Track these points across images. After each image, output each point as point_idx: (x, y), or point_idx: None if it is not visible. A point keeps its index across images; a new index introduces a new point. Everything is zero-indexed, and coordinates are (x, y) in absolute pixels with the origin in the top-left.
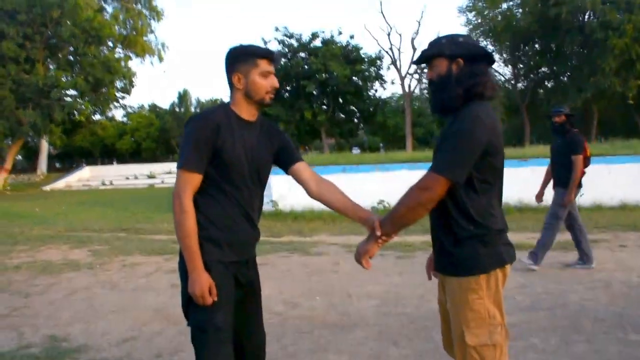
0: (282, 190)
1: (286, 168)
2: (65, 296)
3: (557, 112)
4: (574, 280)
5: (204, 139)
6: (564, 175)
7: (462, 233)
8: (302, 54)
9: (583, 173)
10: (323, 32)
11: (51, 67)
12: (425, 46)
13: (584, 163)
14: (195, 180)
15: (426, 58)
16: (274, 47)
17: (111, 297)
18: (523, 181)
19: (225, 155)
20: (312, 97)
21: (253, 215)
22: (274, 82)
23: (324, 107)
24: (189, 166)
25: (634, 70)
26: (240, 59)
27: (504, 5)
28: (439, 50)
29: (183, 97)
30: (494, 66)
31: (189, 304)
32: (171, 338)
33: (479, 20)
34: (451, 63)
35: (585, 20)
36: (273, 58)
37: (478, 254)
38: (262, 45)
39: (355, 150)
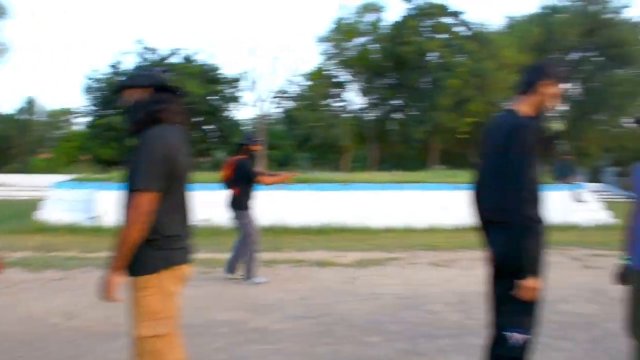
0: (107, 205)
1: None
2: None
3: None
4: (352, 294)
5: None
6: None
7: None
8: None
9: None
10: (184, 49)
11: None
12: (274, 74)
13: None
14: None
15: (122, 87)
16: (133, 60)
17: None
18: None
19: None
20: None
21: None
22: None
23: None
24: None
25: (466, 109)
26: None
27: (360, 40)
28: (132, 81)
29: (30, 104)
30: (351, 94)
31: None
32: None
33: (337, 51)
34: (141, 92)
35: (428, 60)
36: None
37: (147, 256)
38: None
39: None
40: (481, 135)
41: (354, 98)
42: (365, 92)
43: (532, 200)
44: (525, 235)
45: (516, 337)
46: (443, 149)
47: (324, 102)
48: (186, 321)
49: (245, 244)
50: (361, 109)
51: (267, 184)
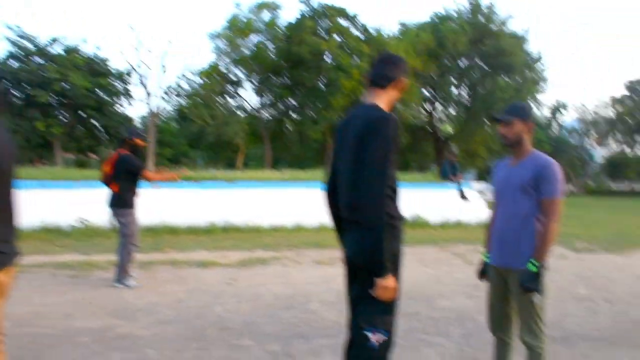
0: None
1: None
2: None
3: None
4: (231, 295)
5: None
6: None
7: None
8: (40, 60)
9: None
10: (65, 38)
11: None
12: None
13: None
14: None
15: None
16: (5, 47)
17: None
18: (231, 202)
19: None
20: (48, 107)
21: None
22: None
23: (63, 119)
24: None
25: None
26: None
27: (255, 38)
28: None
29: None
30: (246, 93)
31: None
32: None
33: (231, 49)
34: None
35: (324, 60)
36: None
37: None
38: None
39: None
40: (336, 131)
41: (249, 96)
42: (260, 90)
43: (391, 197)
44: (383, 233)
45: (374, 337)
46: None
47: (217, 100)
48: (42, 331)
49: (124, 244)
50: (256, 108)
51: (151, 180)
